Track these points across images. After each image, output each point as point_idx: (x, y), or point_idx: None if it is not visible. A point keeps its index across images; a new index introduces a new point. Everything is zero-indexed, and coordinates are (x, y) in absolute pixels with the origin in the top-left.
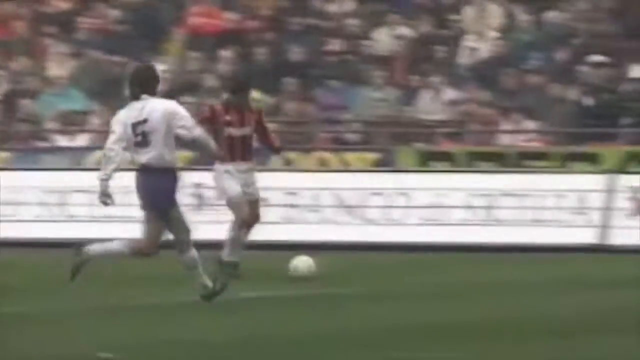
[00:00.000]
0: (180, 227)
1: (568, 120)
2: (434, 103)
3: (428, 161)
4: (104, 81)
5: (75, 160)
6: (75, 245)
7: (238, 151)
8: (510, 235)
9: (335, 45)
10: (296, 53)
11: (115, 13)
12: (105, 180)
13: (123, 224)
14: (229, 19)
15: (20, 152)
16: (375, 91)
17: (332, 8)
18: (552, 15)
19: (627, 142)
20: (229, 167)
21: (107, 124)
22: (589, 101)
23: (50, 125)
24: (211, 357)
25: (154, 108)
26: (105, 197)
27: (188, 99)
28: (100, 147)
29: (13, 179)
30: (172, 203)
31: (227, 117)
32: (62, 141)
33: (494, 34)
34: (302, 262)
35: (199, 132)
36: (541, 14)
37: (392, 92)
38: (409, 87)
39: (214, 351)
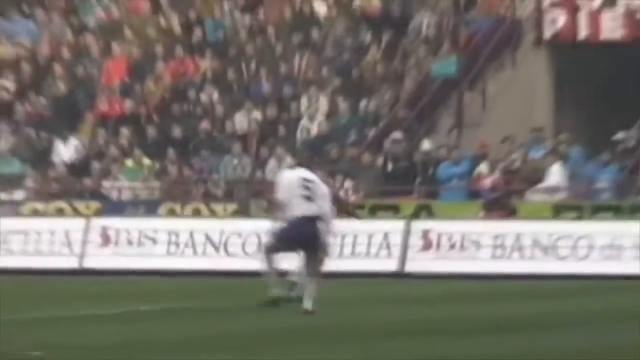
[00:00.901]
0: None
1: (376, 180)
2: (279, 168)
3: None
4: (35, 152)
5: (12, 209)
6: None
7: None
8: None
9: (205, 124)
10: (177, 130)
11: (43, 101)
12: (276, 223)
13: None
14: (128, 105)
15: None
16: (235, 159)
17: (203, 97)
18: (364, 103)
19: (419, 197)
20: None
21: (38, 183)
22: (391, 167)
23: None
24: None
25: (315, 176)
26: None
27: (96, 165)
28: (33, 201)
29: None
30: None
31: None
32: (3, 195)
33: (322, 117)
34: None
35: None
36: (357, 102)
37: (247, 160)
38: (260, 156)
39: None
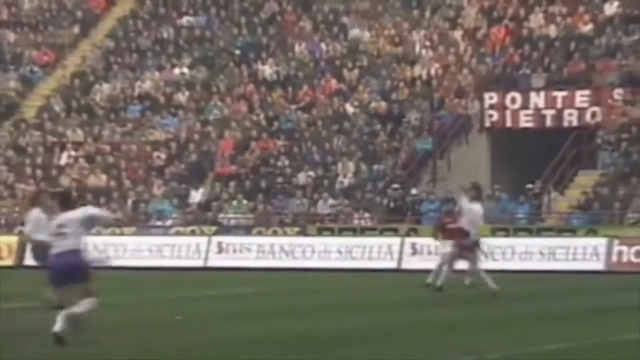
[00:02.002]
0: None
1: (384, 213)
2: (325, 204)
3: (323, 231)
4: (178, 196)
5: (164, 231)
6: None
7: (454, 236)
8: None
9: (280, 179)
10: (263, 183)
11: (183, 166)
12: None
13: None
14: (234, 168)
15: (140, 228)
16: (298, 200)
17: (279, 163)
18: (377, 166)
19: (409, 223)
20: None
21: (180, 215)
22: (392, 205)
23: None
24: None
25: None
26: None
27: (215, 204)
28: (177, 226)
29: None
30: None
31: (447, 219)
32: (159, 223)
33: (350, 174)
34: None
35: None
36: (372, 165)
37: (305, 201)
38: (313, 198)
39: None
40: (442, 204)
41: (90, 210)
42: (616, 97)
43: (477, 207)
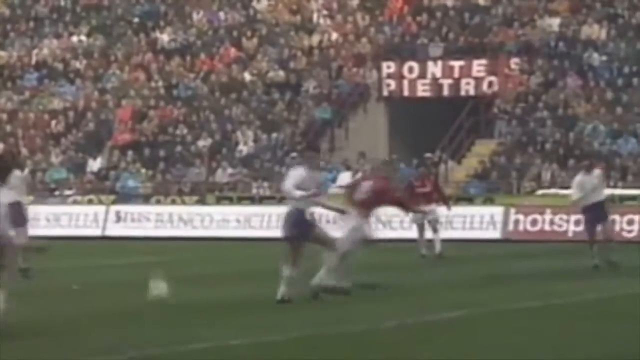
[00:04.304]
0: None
1: (281, 181)
2: (223, 173)
3: (222, 200)
4: (76, 165)
5: (62, 200)
6: None
7: (422, 200)
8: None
9: (179, 148)
10: (162, 151)
11: (80, 134)
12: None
13: None
14: (132, 136)
15: (37, 197)
16: (196, 169)
17: (177, 132)
18: (275, 135)
19: None
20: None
21: (78, 184)
22: None
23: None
24: None
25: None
26: None
27: (113, 173)
28: (74, 195)
29: None
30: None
31: (417, 183)
32: (57, 192)
33: (250, 143)
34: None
35: None
36: (270, 134)
37: (204, 170)
38: (211, 167)
39: None
40: (338, 172)
41: None
42: (513, 66)
43: (586, 178)
